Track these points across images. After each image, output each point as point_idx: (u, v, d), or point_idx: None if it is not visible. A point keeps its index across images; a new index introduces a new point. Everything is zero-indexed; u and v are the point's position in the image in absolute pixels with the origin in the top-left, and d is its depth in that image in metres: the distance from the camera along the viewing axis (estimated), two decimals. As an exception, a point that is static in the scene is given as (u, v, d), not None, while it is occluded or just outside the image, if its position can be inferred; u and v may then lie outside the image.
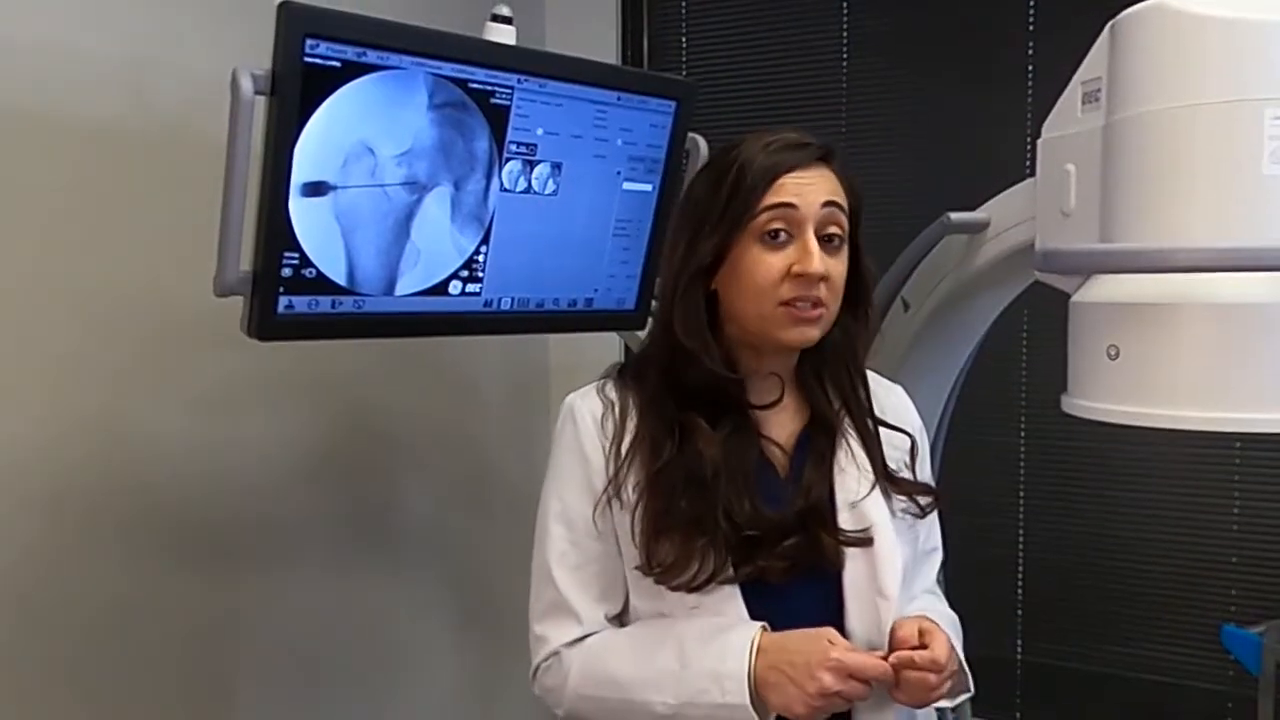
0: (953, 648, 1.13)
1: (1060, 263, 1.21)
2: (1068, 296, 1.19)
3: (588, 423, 1.19)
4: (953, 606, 1.33)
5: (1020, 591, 2.39)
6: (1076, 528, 2.33)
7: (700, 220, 1.16)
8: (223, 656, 1.92)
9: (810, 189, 1.13)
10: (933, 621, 1.13)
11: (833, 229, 1.14)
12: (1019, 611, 2.39)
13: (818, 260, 1.11)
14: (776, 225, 1.12)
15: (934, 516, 1.27)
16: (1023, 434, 2.37)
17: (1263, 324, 1.02)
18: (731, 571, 1.12)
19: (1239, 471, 2.19)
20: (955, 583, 1.63)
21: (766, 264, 1.12)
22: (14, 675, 1.59)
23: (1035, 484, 2.37)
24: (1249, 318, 1.02)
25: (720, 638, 1.11)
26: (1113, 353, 1.08)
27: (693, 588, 1.11)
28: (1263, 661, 1.95)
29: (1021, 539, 2.39)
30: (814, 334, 1.15)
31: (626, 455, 1.17)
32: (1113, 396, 1.10)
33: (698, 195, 1.18)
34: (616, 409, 1.20)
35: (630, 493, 1.16)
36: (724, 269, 1.15)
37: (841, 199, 1.15)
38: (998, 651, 2.39)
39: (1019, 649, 2.40)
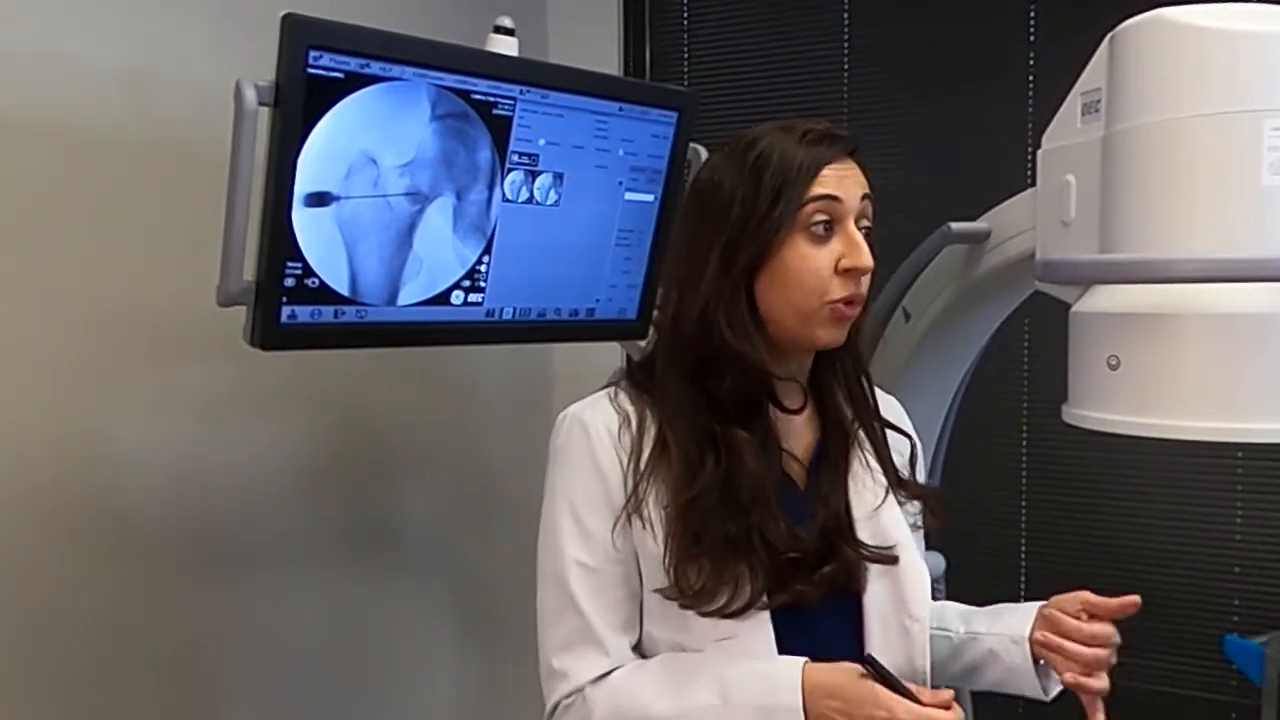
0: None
1: (1060, 273, 1.21)
2: (1068, 306, 1.19)
3: (602, 435, 1.11)
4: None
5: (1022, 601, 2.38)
6: (1078, 537, 2.32)
7: (742, 217, 1.08)
8: (223, 668, 1.91)
9: (849, 180, 1.10)
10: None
11: (866, 222, 1.11)
12: (1021, 621, 2.39)
13: (867, 253, 1.08)
14: (822, 218, 1.08)
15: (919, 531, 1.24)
16: (1024, 444, 2.37)
17: (1263, 334, 1.02)
18: (766, 598, 1.06)
19: (1241, 481, 2.19)
20: (958, 592, 1.63)
21: (815, 259, 1.08)
22: (8, 688, 1.59)
23: (1037, 494, 2.37)
24: (1249, 328, 1.02)
25: (762, 671, 1.04)
26: (1113, 363, 1.08)
27: (726, 614, 1.04)
28: (1265, 672, 1.95)
29: (1023, 548, 2.38)
30: (844, 334, 1.12)
31: (647, 469, 1.09)
32: (1113, 407, 1.10)
33: (725, 191, 1.09)
34: (633, 420, 1.11)
35: (652, 511, 1.08)
36: (765, 267, 1.09)
37: (870, 192, 1.12)
38: (1000, 661, 2.39)
39: (1021, 659, 2.39)
